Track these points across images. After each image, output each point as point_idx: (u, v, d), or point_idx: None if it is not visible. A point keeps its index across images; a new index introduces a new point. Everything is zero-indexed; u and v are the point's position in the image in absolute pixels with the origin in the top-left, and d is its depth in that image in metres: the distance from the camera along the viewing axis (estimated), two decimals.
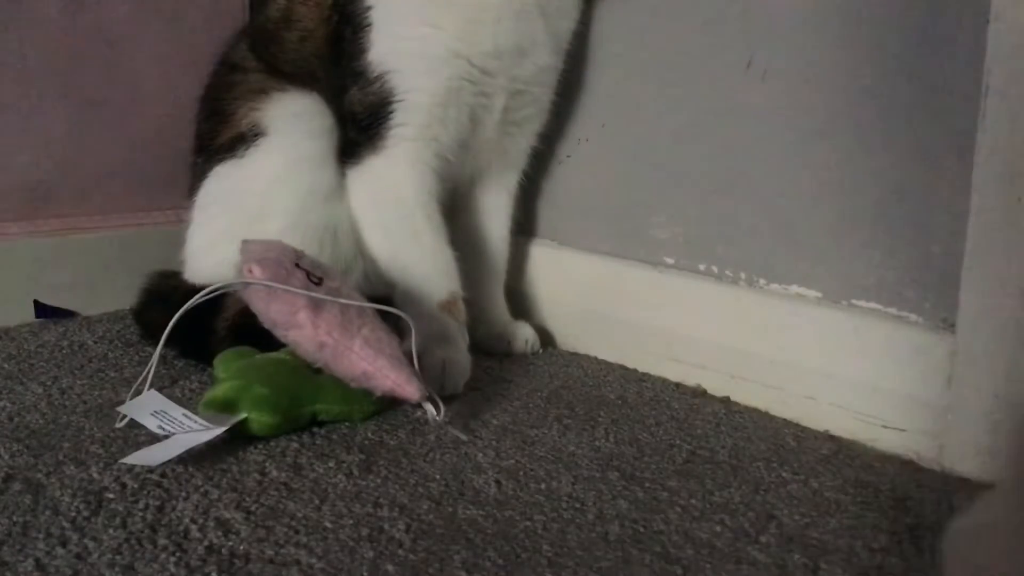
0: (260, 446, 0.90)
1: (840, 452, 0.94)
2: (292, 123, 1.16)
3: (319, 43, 1.20)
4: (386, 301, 1.03)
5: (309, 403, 0.95)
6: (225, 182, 1.17)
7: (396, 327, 0.99)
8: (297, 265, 0.94)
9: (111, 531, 0.73)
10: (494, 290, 1.29)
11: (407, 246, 1.14)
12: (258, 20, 1.33)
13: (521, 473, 0.87)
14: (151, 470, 0.83)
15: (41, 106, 1.35)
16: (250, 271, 0.92)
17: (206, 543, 0.72)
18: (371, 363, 0.93)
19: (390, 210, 1.15)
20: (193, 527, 0.74)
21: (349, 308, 0.95)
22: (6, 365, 1.13)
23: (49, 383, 1.07)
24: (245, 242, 0.96)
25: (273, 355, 1.00)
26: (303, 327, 0.92)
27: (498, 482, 0.85)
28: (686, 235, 1.17)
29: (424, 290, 1.12)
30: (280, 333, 0.95)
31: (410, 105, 1.12)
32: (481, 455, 0.91)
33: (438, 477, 0.85)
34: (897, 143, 0.95)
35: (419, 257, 1.14)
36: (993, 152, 0.84)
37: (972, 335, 0.87)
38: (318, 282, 0.94)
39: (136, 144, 1.44)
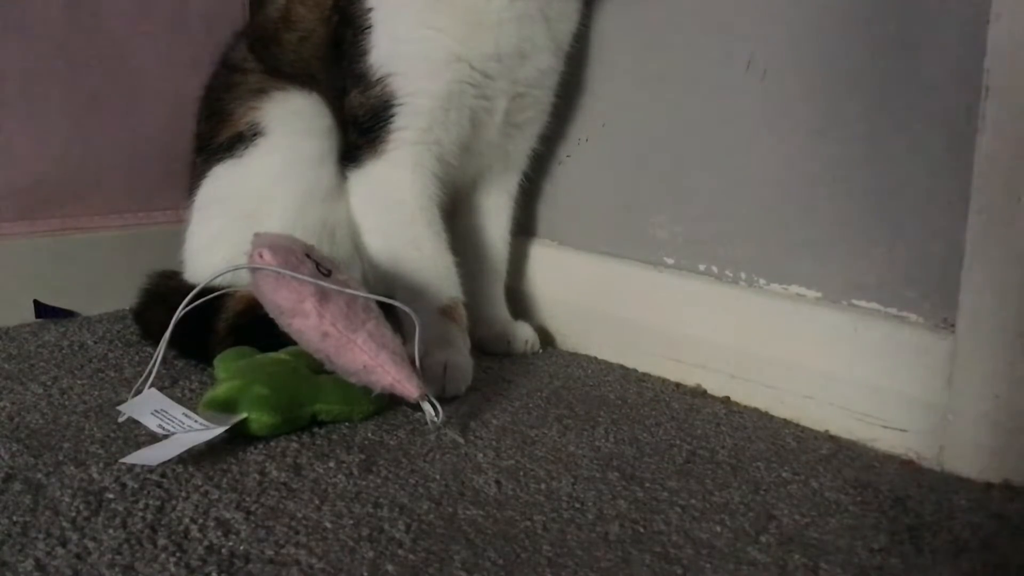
0: (260, 446, 0.90)
1: (840, 452, 0.94)
2: (291, 123, 1.15)
3: (319, 44, 1.20)
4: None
5: (309, 403, 0.95)
6: (224, 182, 1.17)
7: (399, 331, 0.99)
8: (308, 256, 0.95)
9: (111, 531, 0.73)
10: (494, 290, 1.29)
11: (408, 252, 1.14)
12: (257, 20, 1.33)
13: (521, 473, 0.87)
14: (151, 470, 0.83)
15: (41, 106, 1.35)
16: (260, 256, 0.92)
17: (206, 543, 0.72)
18: (373, 357, 0.93)
19: (391, 215, 1.15)
20: (193, 527, 0.74)
21: (355, 301, 0.95)
22: (6, 365, 1.13)
23: (49, 383, 1.07)
24: (257, 233, 0.96)
25: (273, 355, 1.00)
26: (308, 316, 0.92)
27: (498, 482, 0.85)
28: (686, 235, 1.17)
29: (425, 296, 1.12)
30: (284, 322, 0.95)
31: (411, 108, 1.12)
32: (481, 455, 0.91)
33: (438, 477, 0.85)
34: (897, 143, 0.95)
35: (420, 263, 1.14)
36: (993, 152, 0.84)
37: (972, 335, 0.87)
38: (327, 274, 0.94)
39: (136, 144, 1.44)
